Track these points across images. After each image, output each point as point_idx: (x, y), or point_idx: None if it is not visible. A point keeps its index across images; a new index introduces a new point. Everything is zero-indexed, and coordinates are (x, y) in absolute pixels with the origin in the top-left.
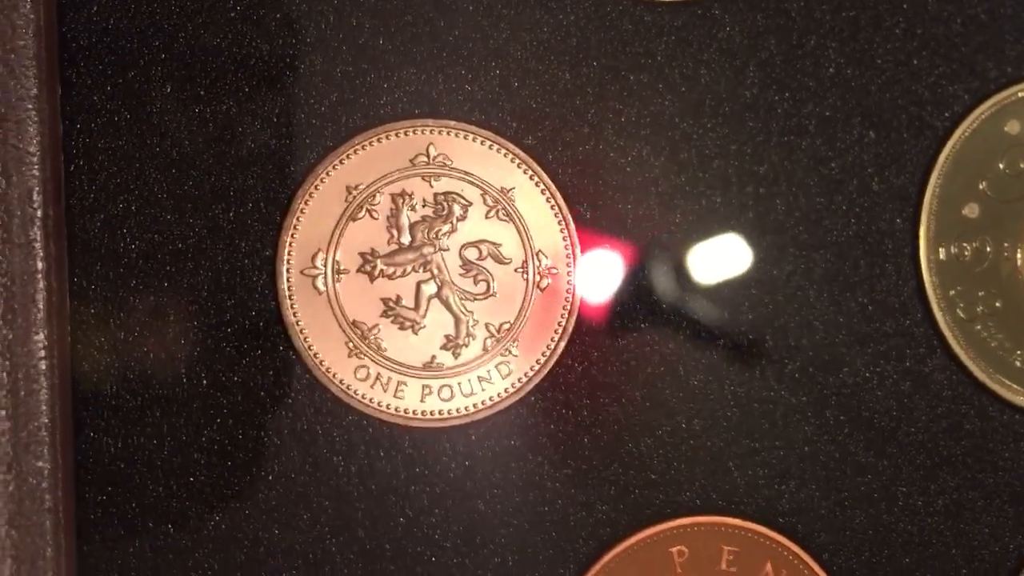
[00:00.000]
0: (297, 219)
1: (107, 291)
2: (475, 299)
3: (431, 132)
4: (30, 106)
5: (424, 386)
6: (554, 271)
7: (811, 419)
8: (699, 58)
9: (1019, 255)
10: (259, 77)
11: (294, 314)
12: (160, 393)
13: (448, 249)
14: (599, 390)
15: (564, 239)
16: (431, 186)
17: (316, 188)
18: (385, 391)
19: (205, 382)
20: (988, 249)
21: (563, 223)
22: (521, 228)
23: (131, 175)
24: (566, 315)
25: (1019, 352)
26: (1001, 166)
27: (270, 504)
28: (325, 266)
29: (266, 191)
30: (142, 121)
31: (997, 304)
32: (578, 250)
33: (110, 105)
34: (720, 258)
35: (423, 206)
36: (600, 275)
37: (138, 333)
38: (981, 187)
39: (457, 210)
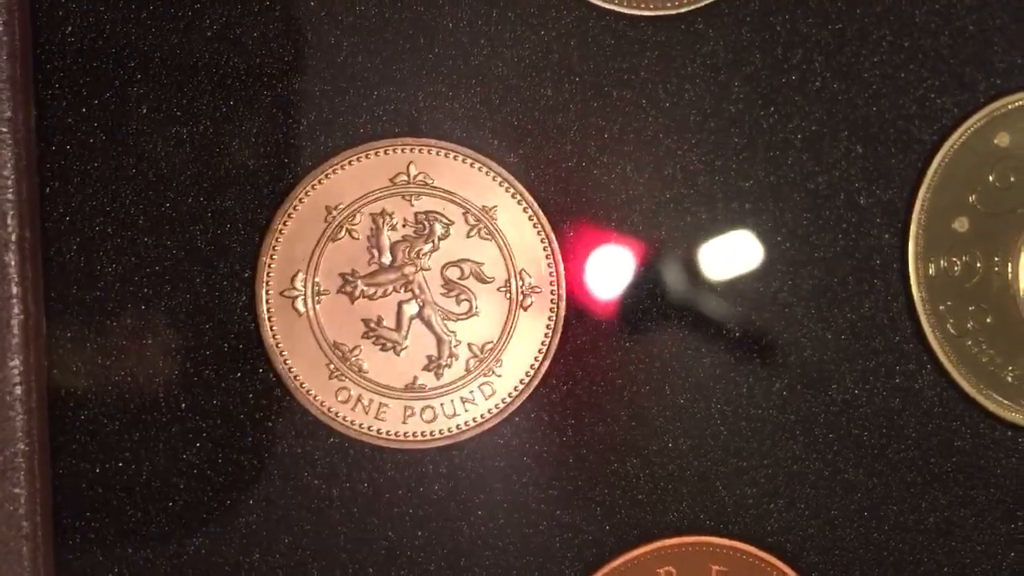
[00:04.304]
0: (276, 240)
1: (84, 315)
2: (457, 319)
3: (411, 151)
4: (5, 128)
5: (406, 407)
6: (537, 290)
7: (799, 437)
8: (683, 73)
9: (1010, 269)
10: (236, 97)
11: (274, 336)
12: (138, 417)
13: (430, 269)
14: (584, 410)
15: (547, 257)
16: (412, 205)
17: (295, 208)
18: (367, 413)
19: (184, 405)
20: (978, 264)
21: (546, 241)
22: (503, 247)
23: (108, 197)
24: (550, 334)
25: (1010, 367)
26: (991, 179)
27: (251, 528)
28: (305, 287)
29: (244, 212)
30: (118, 142)
31: (988, 320)
32: (561, 268)
33: (86, 127)
34: (705, 275)
35: (404, 226)
36: (584, 294)
37: (116, 357)
38: (971, 200)
39: (439, 229)
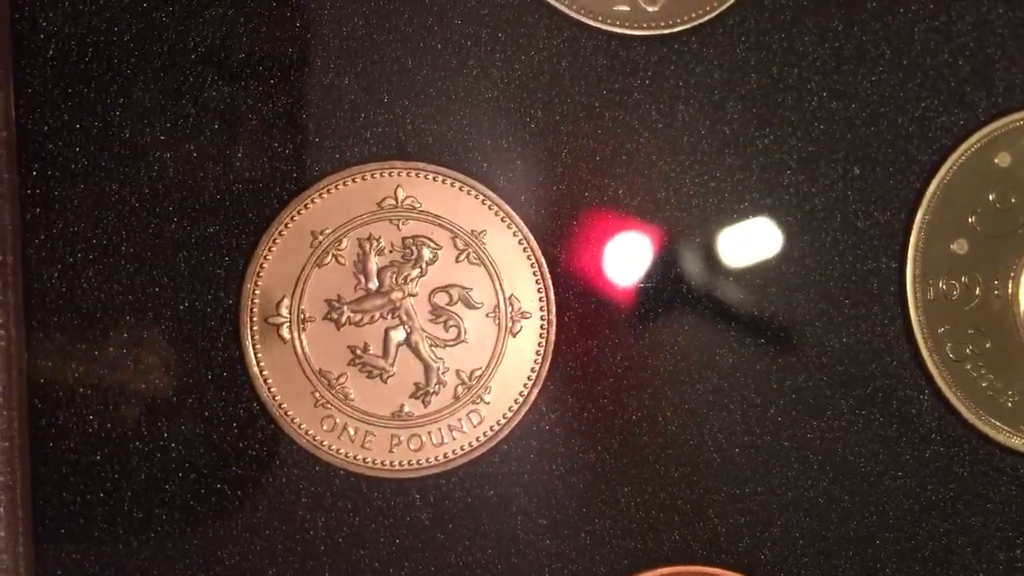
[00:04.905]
0: (261, 266)
1: (66, 342)
2: (445, 345)
3: (399, 174)
4: None
5: (392, 436)
6: (527, 315)
7: (794, 464)
8: (677, 94)
9: (1010, 291)
10: (221, 120)
11: (258, 364)
12: (120, 447)
13: (417, 294)
14: (574, 437)
15: (537, 282)
16: (399, 230)
17: (280, 234)
18: (352, 442)
19: (167, 435)
20: (977, 287)
21: (536, 266)
22: (492, 272)
23: (90, 223)
24: (539, 360)
25: (1010, 392)
26: (991, 199)
27: (235, 559)
28: (290, 314)
29: (229, 238)
30: (100, 168)
31: (987, 344)
32: (551, 293)
33: (68, 152)
34: (700, 300)
35: (391, 251)
36: (574, 319)
37: (98, 385)
38: (970, 222)
39: (426, 254)
